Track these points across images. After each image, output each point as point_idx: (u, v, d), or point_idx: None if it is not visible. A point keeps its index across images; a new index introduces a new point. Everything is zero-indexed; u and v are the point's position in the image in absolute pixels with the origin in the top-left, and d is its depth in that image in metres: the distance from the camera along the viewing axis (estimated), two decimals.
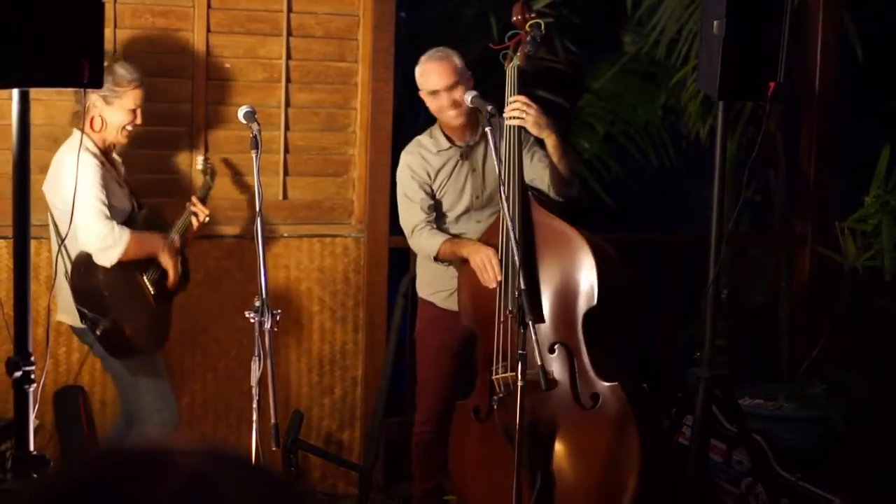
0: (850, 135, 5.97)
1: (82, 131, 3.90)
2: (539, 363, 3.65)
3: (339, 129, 5.01)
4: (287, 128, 4.91)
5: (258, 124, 3.80)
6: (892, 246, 5.30)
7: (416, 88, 4.36)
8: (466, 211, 4.33)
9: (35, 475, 3.10)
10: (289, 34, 4.86)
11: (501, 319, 4.02)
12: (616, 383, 3.95)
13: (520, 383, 3.65)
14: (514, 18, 4.20)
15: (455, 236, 4.26)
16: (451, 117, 4.26)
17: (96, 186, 3.98)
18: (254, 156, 3.71)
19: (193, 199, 4.39)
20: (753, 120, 5.88)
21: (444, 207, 4.33)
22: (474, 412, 4.16)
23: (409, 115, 5.99)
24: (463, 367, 4.42)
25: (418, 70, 4.31)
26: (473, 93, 4.11)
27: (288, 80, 4.88)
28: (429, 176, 4.30)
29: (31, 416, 3.15)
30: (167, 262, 4.20)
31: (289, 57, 4.87)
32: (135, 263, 4.12)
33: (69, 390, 4.65)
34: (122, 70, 4.12)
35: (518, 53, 4.18)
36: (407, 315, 5.04)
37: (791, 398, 5.17)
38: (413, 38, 5.93)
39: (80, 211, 3.82)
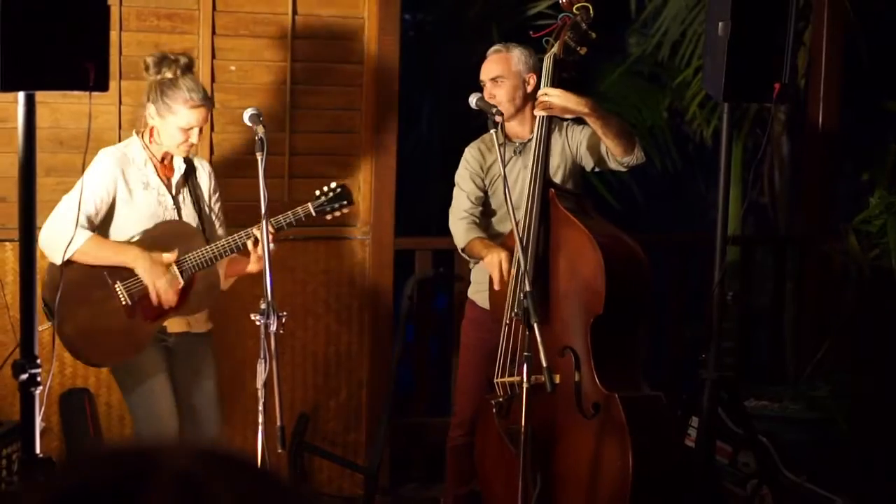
0: (856, 136, 5.96)
1: (140, 134, 3.97)
2: (545, 366, 3.51)
3: (345, 132, 5.01)
4: (292, 130, 4.91)
5: (263, 127, 3.79)
6: None
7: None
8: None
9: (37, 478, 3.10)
10: (294, 37, 4.87)
11: (507, 322, 3.98)
12: (614, 394, 3.83)
13: (525, 385, 3.57)
14: (561, 0, 4.01)
15: (500, 234, 4.23)
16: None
17: (90, 188, 3.80)
18: (259, 158, 3.68)
19: (265, 223, 3.74)
20: (758, 121, 5.88)
21: (494, 204, 4.29)
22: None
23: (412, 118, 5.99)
24: None
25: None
26: (478, 95, 4.01)
27: (293, 83, 4.89)
28: (481, 168, 4.29)
29: (38, 419, 3.15)
30: (146, 277, 3.84)
31: (294, 59, 4.88)
32: (112, 268, 3.85)
33: (75, 393, 4.66)
34: (184, 85, 3.87)
35: (558, 41, 3.99)
36: (412, 317, 5.03)
37: (796, 400, 5.16)
38: (417, 40, 5.93)
39: (61, 203, 3.84)
